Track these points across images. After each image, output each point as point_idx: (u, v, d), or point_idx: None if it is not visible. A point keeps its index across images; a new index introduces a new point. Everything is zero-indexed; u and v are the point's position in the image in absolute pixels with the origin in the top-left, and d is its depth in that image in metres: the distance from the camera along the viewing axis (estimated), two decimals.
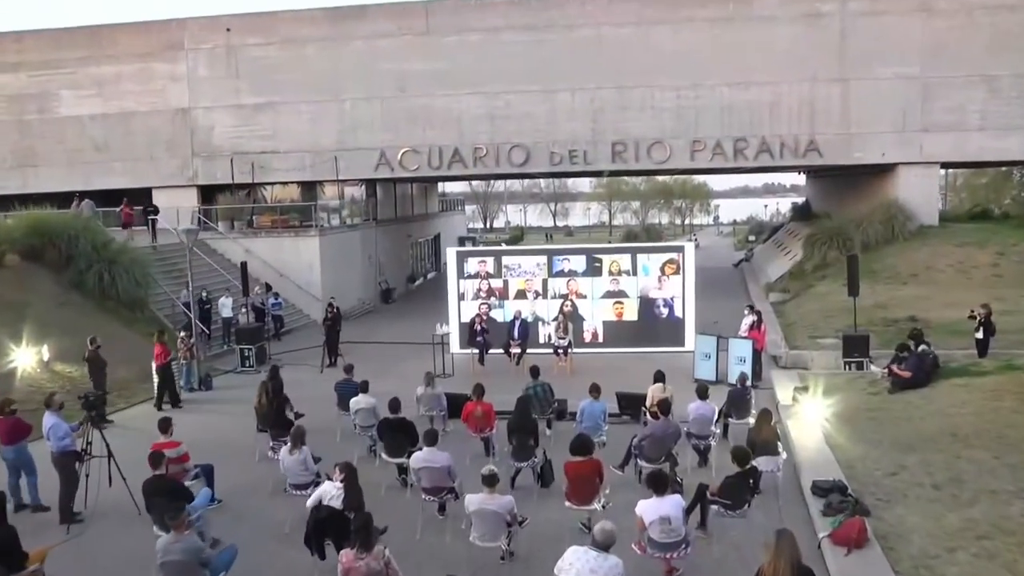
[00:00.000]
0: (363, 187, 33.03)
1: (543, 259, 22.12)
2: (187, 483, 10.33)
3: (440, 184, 49.89)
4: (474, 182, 74.96)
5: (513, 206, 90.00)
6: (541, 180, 78.58)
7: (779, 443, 11.15)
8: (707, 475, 11.99)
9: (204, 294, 22.59)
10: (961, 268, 25.36)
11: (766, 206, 66.99)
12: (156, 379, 16.90)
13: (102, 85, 30.87)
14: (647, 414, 13.72)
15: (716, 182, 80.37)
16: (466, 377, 19.01)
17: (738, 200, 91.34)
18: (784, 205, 64.98)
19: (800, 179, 46.60)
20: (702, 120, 29.15)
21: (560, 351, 19.55)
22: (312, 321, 26.61)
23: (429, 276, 41.22)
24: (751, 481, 9.34)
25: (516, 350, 19.70)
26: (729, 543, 9.55)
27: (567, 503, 9.61)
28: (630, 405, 15.00)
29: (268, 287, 25.32)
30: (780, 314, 24.04)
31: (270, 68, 29.99)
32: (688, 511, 9.63)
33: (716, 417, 12.43)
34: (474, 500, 8.39)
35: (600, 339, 21.71)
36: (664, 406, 11.34)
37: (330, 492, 8.46)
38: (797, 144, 28.67)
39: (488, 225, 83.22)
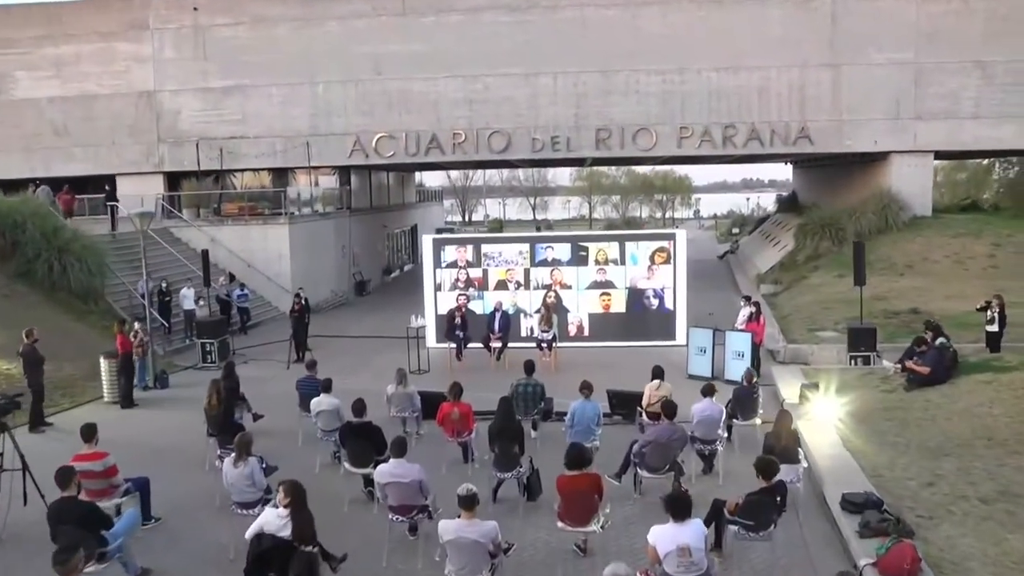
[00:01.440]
0: (336, 174, 31.23)
1: (525, 247, 20.52)
2: (116, 501, 8.71)
3: (417, 175, 48.15)
4: (452, 174, 73.33)
5: (492, 200, 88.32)
6: (520, 173, 77.09)
7: (800, 449, 9.68)
8: (713, 483, 10.55)
9: (163, 284, 20.82)
10: (958, 259, 24.11)
11: (748, 199, 65.77)
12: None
13: (61, 66, 28.85)
14: (643, 415, 12.27)
15: (695, 176, 79.13)
16: (443, 373, 17.49)
17: (717, 195, 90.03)
18: (765, 199, 63.79)
19: (780, 173, 45.51)
20: (689, 106, 27.65)
21: (544, 345, 18.00)
22: (281, 314, 24.82)
23: (405, 268, 39.51)
24: (778, 498, 7.82)
25: (496, 344, 18.16)
26: (750, 569, 8.09)
27: (560, 523, 8.06)
28: (623, 404, 13.50)
29: (232, 277, 23.55)
30: (774, 306, 22.63)
31: (239, 49, 28.12)
32: (711, 524, 8.18)
33: (723, 418, 10.92)
34: (449, 527, 6.80)
35: (586, 332, 20.18)
36: (669, 408, 9.79)
37: (273, 521, 6.80)
38: (787, 131, 27.24)
39: (467, 218, 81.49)
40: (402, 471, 8.00)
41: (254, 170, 29.47)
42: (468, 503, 6.73)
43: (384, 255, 36.43)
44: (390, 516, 8.23)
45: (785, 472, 9.44)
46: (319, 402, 11.32)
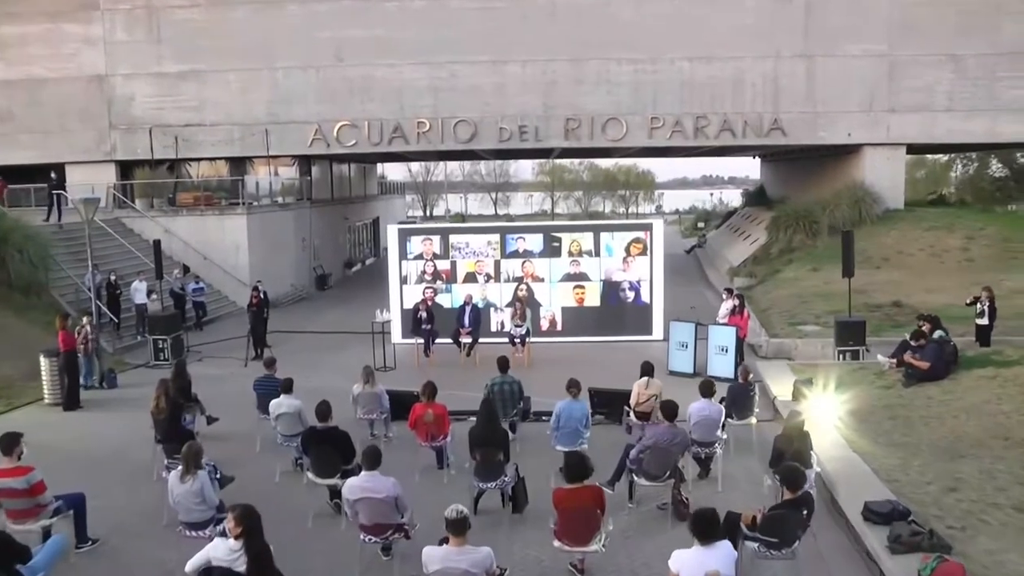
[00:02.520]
0: (296, 164, 29.80)
1: (495, 238, 19.42)
2: (43, 523, 7.48)
3: (379, 167, 46.73)
4: (413, 168, 71.88)
5: (453, 194, 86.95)
6: (483, 167, 75.91)
7: (813, 453, 8.75)
8: (711, 490, 9.63)
9: (113, 277, 19.37)
10: (933, 252, 23.56)
11: (712, 194, 65.37)
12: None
13: (4, 48, 26.90)
14: (631, 415, 11.30)
15: (656, 172, 78.47)
16: (410, 371, 16.40)
17: (677, 191, 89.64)
18: (726, 195, 63.42)
19: (741, 169, 44.93)
20: (660, 96, 26.73)
21: (517, 340, 16.96)
22: (239, 309, 23.44)
23: (367, 262, 38.16)
24: (804, 511, 6.87)
25: (466, 339, 17.10)
26: None
27: (557, 543, 7.03)
28: (607, 404, 12.50)
29: (187, 269, 22.10)
30: (750, 300, 21.65)
31: (196, 33, 26.52)
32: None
33: (723, 419, 9.96)
34: (435, 556, 5.74)
35: (559, 327, 19.16)
36: (669, 409, 8.79)
37: (223, 554, 5.60)
38: (761, 123, 26.45)
39: (428, 212, 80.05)
40: (375, 485, 6.90)
41: (211, 159, 27.93)
42: (458, 528, 5.67)
43: (346, 248, 35.07)
44: (361, 536, 7.13)
45: None
46: (279, 404, 10.15)
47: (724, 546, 5.63)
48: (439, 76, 26.83)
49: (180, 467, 7.27)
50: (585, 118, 26.97)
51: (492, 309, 19.01)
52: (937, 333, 13.05)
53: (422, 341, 17.10)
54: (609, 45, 26.35)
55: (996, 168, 41.89)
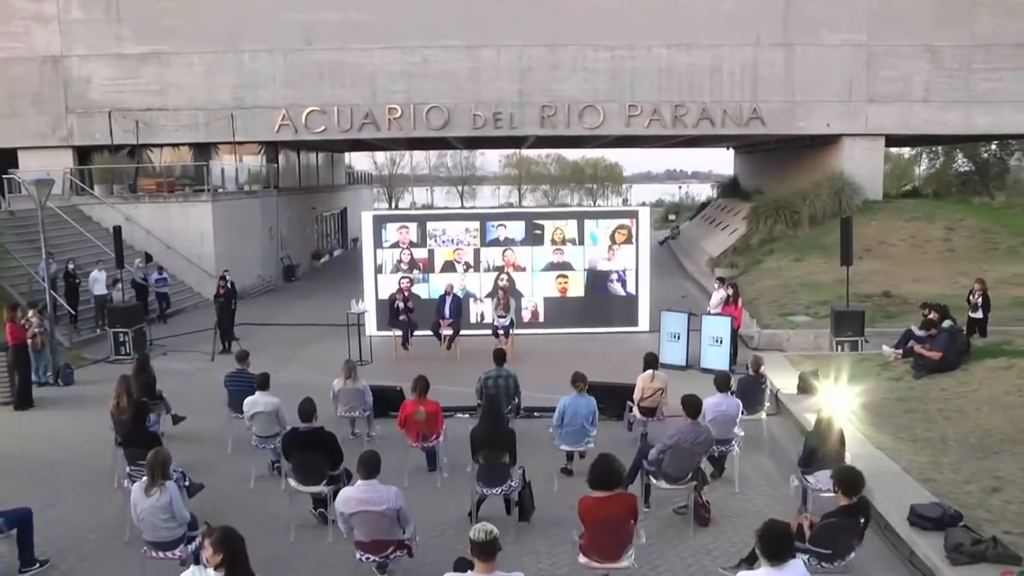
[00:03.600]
0: (263, 152, 28.45)
1: (475, 225, 18.43)
2: None
3: (346, 157, 45.32)
4: (379, 160, 70.38)
5: (419, 187, 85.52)
6: (449, 160, 74.64)
7: (847, 452, 7.95)
8: (728, 491, 8.82)
9: (70, 266, 18.04)
10: (914, 243, 23.05)
11: (680, 187, 64.88)
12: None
13: None
14: (633, 410, 10.45)
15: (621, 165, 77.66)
16: (387, 364, 15.39)
17: (641, 185, 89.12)
18: (693, 189, 62.95)
19: (705, 164, 44.37)
20: (638, 83, 25.89)
21: (501, 332, 16.02)
22: (204, 300, 22.21)
23: (335, 253, 36.89)
24: (862, 520, 6.04)
25: (447, 331, 16.09)
26: None
27: (583, 558, 6.09)
28: (603, 399, 11.50)
29: (149, 258, 20.73)
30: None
31: (157, 13, 24.98)
32: (750, 559, 6.37)
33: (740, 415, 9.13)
34: None
35: (541, 319, 18.26)
36: (692, 405, 7.90)
37: None
38: (740, 112, 25.73)
39: (393, 205, 78.59)
40: (374, 496, 5.92)
41: (173, 145, 26.39)
42: (488, 551, 4.72)
43: (313, 239, 33.78)
44: (357, 554, 6.12)
45: (827, 479, 7.76)
46: (254, 402, 9.10)
47: (797, 567, 4.77)
48: (412, 61, 25.71)
49: (145, 477, 6.21)
50: (561, 105, 26.04)
51: (472, 300, 18.06)
52: (946, 322, 12.39)
53: (400, 333, 16.08)
54: (586, 30, 25.43)
55: (961, 162, 41.83)
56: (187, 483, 7.54)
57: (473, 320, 17.77)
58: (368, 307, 17.12)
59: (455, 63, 25.79)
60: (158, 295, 19.97)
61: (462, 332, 16.25)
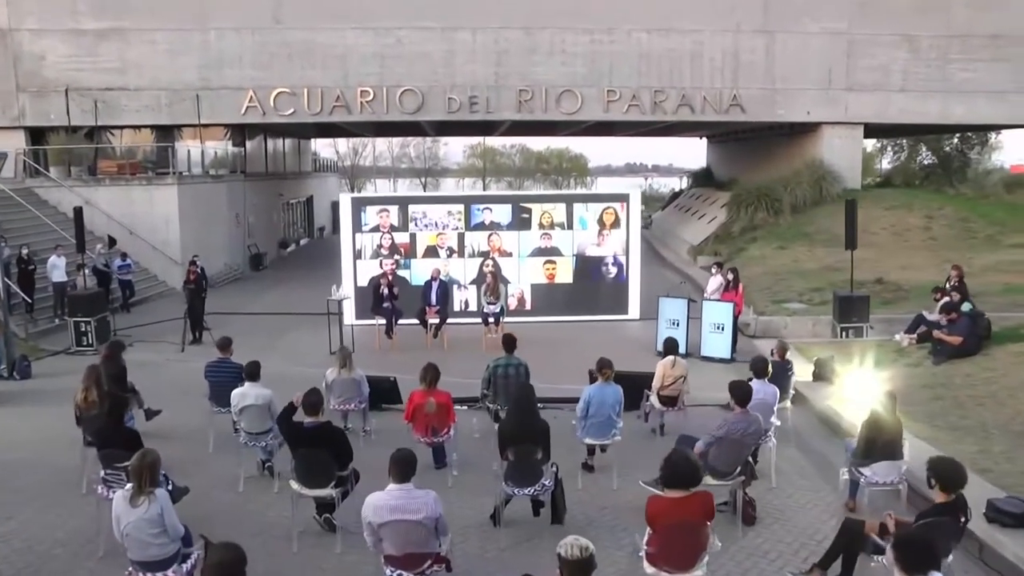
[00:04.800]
0: (229, 135, 27.01)
1: (459, 208, 17.44)
2: None
3: (312, 143, 43.79)
4: (341, 150, 68.73)
5: (382, 179, 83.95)
6: (412, 150, 73.24)
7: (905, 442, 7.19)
8: (764, 486, 7.95)
9: (25, 251, 16.66)
10: (895, 231, 22.63)
11: (646, 178, 64.45)
12: None
13: None
14: (650, 399, 9.59)
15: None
16: (369, 354, 14.29)
17: (602, 178, 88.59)
18: (658, 182, 62.43)
19: (665, 158, 43.79)
20: (617, 68, 25.07)
21: (491, 320, 15.09)
22: (169, 289, 20.91)
23: (302, 243, 35.54)
24: (963, 519, 5.24)
25: (433, 319, 15.11)
26: None
27: (651, 568, 5.18)
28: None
29: (113, 242, 19.28)
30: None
31: None
32: (824, 563, 5.57)
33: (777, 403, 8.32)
34: None
35: (527, 306, 17.36)
36: (742, 392, 7.05)
37: None
38: (720, 99, 25.07)
39: (356, 191, 77.01)
40: (410, 503, 4.94)
41: (135, 127, 24.84)
42: (583, 571, 3.81)
43: (280, 227, 32.41)
44: (387, 571, 5.10)
45: (884, 471, 7.04)
46: (243, 394, 8.03)
47: None
48: (385, 42, 24.56)
49: (129, 485, 5.16)
50: (538, 90, 25.11)
51: (456, 287, 17.08)
52: (965, 305, 11.77)
53: (384, 321, 15.04)
54: (564, 14, 24.55)
55: (925, 155, 41.84)
56: (170, 487, 6.49)
57: (457, 308, 16.81)
58: (348, 294, 16.05)
59: (430, 45, 24.71)
60: (121, 283, 18.60)
61: (448, 320, 15.30)
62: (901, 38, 25.20)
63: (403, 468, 4.97)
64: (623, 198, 17.64)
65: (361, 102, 24.76)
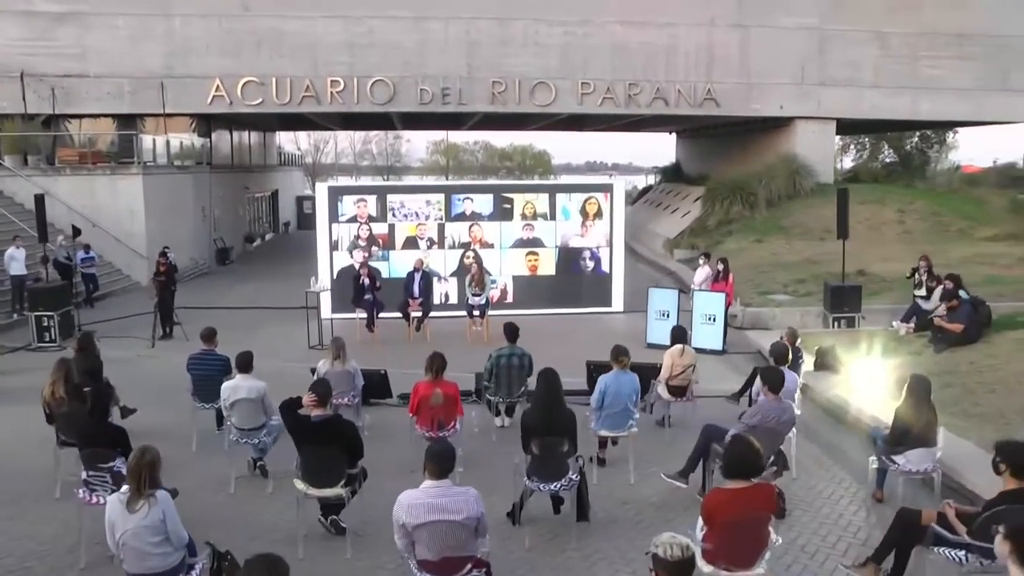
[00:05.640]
0: (194, 125, 25.96)
1: (439, 198, 16.83)
2: None
3: (277, 137, 42.70)
4: (303, 145, 67.46)
5: (344, 175, 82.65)
6: (374, 147, 72.32)
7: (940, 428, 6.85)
8: (784, 478, 7.49)
9: None
10: (871, 225, 22.50)
11: (610, 175, 64.12)
12: None
13: None
14: (659, 391, 9.15)
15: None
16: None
17: (564, 176, 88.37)
18: (621, 180, 62.25)
19: (625, 156, 43.54)
20: (592, 61, 24.61)
21: (475, 312, 14.54)
22: (134, 284, 19.97)
23: (267, 237, 34.55)
24: None
25: (416, 312, 14.52)
26: None
27: (709, 567, 4.68)
28: None
29: (77, 232, 18.24)
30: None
31: None
32: (879, 556, 5.15)
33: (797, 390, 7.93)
34: None
35: (509, 299, 16.82)
36: (775, 378, 6.64)
37: None
38: (694, 93, 24.74)
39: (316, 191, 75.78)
40: (451, 501, 4.38)
41: (96, 116, 23.68)
42: (684, 573, 3.30)
43: (246, 221, 31.41)
44: None
45: (918, 458, 6.66)
46: (235, 387, 7.39)
47: None
48: (356, 31, 23.78)
49: (124, 488, 4.53)
50: (511, 82, 24.52)
51: (435, 279, 16.48)
52: (960, 293, 11.53)
53: (365, 315, 14.41)
54: (537, 5, 23.98)
55: (887, 153, 42.19)
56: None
57: (436, 301, 16.21)
58: (327, 286, 15.38)
59: (401, 35, 23.98)
60: (84, 276, 17.64)
61: (432, 314, 14.74)
62: (872, 35, 25.17)
63: (441, 463, 4.42)
64: (607, 188, 17.22)
65: (331, 92, 23.92)
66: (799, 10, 24.69)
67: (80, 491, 5.97)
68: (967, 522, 5.02)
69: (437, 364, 7.34)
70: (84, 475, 5.95)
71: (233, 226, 28.69)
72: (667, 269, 21.70)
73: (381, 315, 14.56)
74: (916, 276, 14.01)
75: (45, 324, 14.10)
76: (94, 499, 5.89)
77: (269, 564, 3.09)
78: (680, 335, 9.13)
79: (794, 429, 7.86)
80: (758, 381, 7.95)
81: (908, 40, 25.32)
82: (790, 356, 8.03)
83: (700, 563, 4.78)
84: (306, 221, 40.61)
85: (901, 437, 6.65)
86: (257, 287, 21.09)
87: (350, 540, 6.01)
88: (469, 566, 4.48)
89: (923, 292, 13.69)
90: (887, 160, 41.67)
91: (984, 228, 22.04)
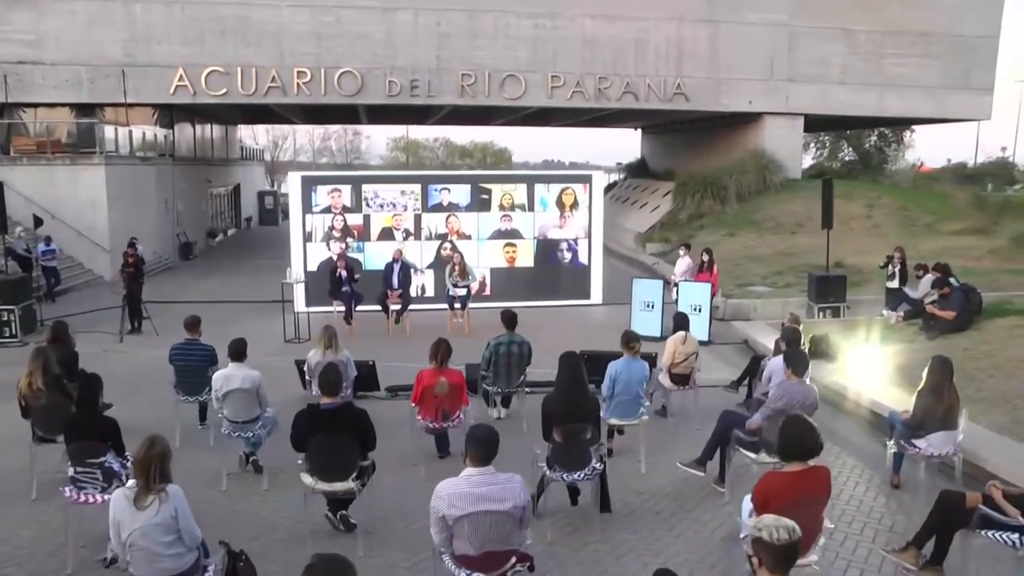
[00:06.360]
0: (157, 116, 25.04)
1: (416, 188, 16.38)
2: None
3: (239, 132, 41.66)
4: (260, 140, 66.18)
5: (304, 173, 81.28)
6: (334, 144, 71.25)
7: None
8: None
9: None
10: (840, 219, 22.07)
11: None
12: None
13: None
14: (661, 379, 8.86)
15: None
16: None
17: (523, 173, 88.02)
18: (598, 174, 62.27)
19: (582, 155, 43.23)
20: (561, 54, 24.38)
21: (457, 304, 14.15)
22: (96, 278, 19.17)
23: (229, 233, 33.64)
24: None
25: (396, 304, 14.07)
26: None
27: None
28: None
29: (39, 222, 17.34)
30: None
31: None
32: (920, 540, 4.94)
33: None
34: None
35: (487, 291, 16.44)
36: (800, 360, 6.40)
37: None
38: (664, 87, 24.65)
39: (276, 187, 74.36)
40: (495, 489, 4.01)
41: (53, 104, 22.65)
42: (792, 559, 3.06)
43: (208, 215, 30.51)
44: (463, 575, 4.17)
45: (940, 441, 6.47)
46: (227, 377, 6.92)
47: None
48: (324, 21, 23.20)
49: (130, 482, 4.08)
50: (481, 74, 24.17)
51: (412, 271, 16.01)
52: (950, 280, 11.50)
53: (343, 307, 13.92)
54: None
55: (846, 152, 42.67)
56: None
57: (413, 293, 15.75)
58: (303, 277, 14.87)
59: (370, 25, 23.49)
60: (45, 269, 16.80)
61: (412, 306, 14.31)
62: (840, 32, 25.37)
63: (486, 448, 4.04)
64: (585, 179, 16.93)
65: (298, 83, 23.31)
66: (768, 6, 24.77)
67: (67, 489, 5.46)
68: (1017, 504, 4.81)
69: (443, 351, 6.96)
70: (71, 471, 5.44)
71: (196, 221, 27.82)
72: (641, 263, 21.51)
73: (359, 308, 14.08)
74: (890, 267, 14.00)
75: (5, 319, 13.32)
76: (82, 497, 5.41)
77: (339, 567, 2.69)
78: (683, 322, 8.85)
79: None
80: (769, 365, 7.79)
81: (874, 38, 25.58)
82: (800, 338, 7.79)
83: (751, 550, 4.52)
84: (268, 217, 39.79)
85: (923, 420, 6.46)
86: (222, 282, 20.42)
87: (362, 539, 5.61)
88: (513, 560, 4.11)
89: (895, 283, 13.71)
90: (847, 158, 42.09)
91: (950, 223, 22.28)
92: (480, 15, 23.97)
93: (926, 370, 6.64)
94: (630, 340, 7.20)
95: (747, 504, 4.74)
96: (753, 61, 24.87)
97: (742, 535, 4.72)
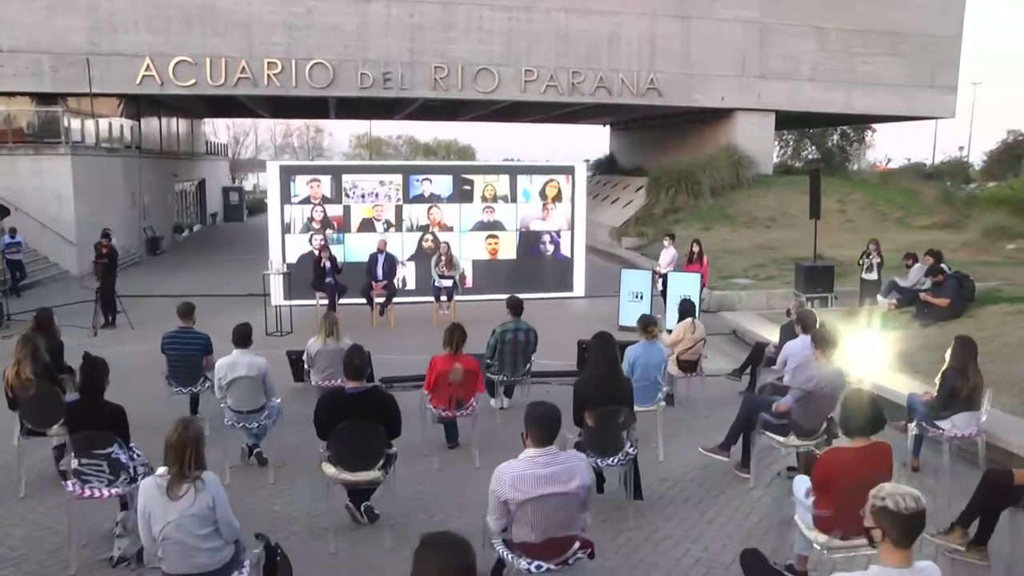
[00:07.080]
0: (122, 107, 24.23)
1: (397, 179, 16.02)
2: None
3: (203, 125, 40.68)
4: (222, 138, 64.90)
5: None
6: (295, 140, 70.29)
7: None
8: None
9: None
10: None
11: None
12: None
13: None
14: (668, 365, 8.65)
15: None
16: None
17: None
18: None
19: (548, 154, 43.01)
20: (535, 48, 24.16)
21: (443, 296, 13.85)
22: (62, 272, 18.45)
23: (195, 228, 32.83)
24: None
25: (380, 296, 13.72)
26: None
27: (823, 537, 4.19)
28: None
29: (6, 211, 16.49)
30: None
31: None
32: (965, 520, 4.81)
33: None
34: None
35: (469, 283, 16.14)
36: (828, 340, 6.24)
37: None
38: (637, 82, 24.58)
39: (236, 182, 72.99)
40: (559, 469, 3.74)
41: (11, 94, 21.75)
42: (919, 529, 2.87)
43: (175, 210, 29.69)
44: (523, 564, 3.86)
45: (964, 422, 6.38)
46: (232, 364, 6.56)
47: None
48: (294, 11, 22.67)
49: (161, 470, 3.75)
50: (454, 67, 23.86)
51: (396, 262, 15.65)
52: (943, 267, 11.51)
53: (326, 299, 13.53)
54: None
55: (809, 150, 43.10)
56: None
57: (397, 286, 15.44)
58: (284, 268, 14.45)
59: (342, 16, 23.03)
60: (10, 263, 16.05)
61: (397, 299, 13.99)
62: (810, 29, 25.57)
63: (548, 427, 3.75)
64: (568, 171, 16.72)
65: (268, 75, 22.75)
66: (739, 3, 24.87)
67: (69, 483, 5.06)
68: None
69: (458, 337, 6.67)
70: (75, 463, 5.04)
71: (163, 215, 27.04)
72: (618, 256, 21.37)
73: (342, 300, 13.70)
74: (867, 260, 14.03)
75: None
76: (87, 492, 5.02)
77: (454, 545, 2.40)
78: (689, 309, 8.68)
79: None
80: (785, 349, 7.63)
81: (843, 36, 25.81)
82: (815, 321, 7.64)
83: (810, 532, 4.33)
84: (233, 212, 38.99)
85: (949, 401, 6.36)
86: (193, 277, 19.82)
87: (390, 531, 5.30)
88: (576, 546, 3.84)
89: (873, 275, 13.74)
90: (810, 157, 42.52)
91: (920, 217, 22.55)
92: (454, 7, 23.65)
93: (949, 351, 6.54)
94: (648, 324, 6.98)
95: (800, 483, 4.55)
96: (725, 57, 24.92)
97: (795, 516, 4.53)
